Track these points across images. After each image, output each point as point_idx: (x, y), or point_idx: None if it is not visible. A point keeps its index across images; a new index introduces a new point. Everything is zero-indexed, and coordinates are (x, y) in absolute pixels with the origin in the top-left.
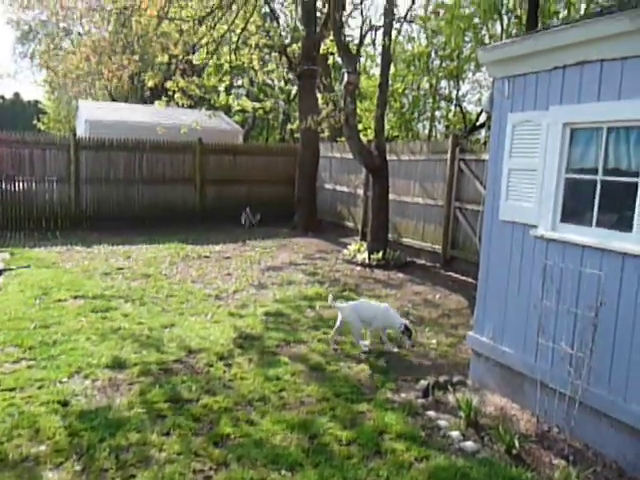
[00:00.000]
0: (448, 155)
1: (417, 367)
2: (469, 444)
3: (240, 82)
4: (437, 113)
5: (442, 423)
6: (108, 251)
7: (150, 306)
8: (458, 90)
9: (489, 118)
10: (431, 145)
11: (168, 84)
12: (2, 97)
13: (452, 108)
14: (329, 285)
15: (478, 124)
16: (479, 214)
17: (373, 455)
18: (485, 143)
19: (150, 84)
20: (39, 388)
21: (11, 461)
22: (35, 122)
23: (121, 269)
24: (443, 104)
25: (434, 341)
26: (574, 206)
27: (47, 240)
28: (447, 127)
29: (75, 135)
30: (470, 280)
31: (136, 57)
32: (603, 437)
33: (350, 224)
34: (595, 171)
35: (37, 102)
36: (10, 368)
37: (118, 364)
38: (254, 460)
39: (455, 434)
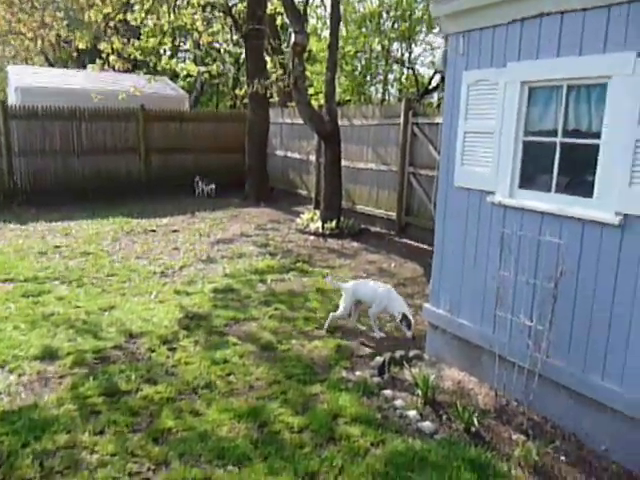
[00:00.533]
0: (401, 119)
1: (372, 342)
2: (427, 424)
3: (186, 45)
4: (390, 76)
5: (398, 403)
6: (45, 228)
7: (88, 287)
8: (410, 53)
9: (442, 80)
10: (384, 109)
11: (102, 45)
12: None
13: (405, 71)
14: (281, 257)
15: (431, 87)
16: (434, 180)
17: (327, 442)
18: (439, 106)
19: (80, 45)
20: None
21: None
22: None
23: (58, 247)
24: (396, 67)
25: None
26: (533, 171)
27: None
28: (400, 91)
29: (3, 103)
30: (425, 247)
31: (60, 14)
32: (562, 409)
33: (303, 192)
34: (554, 133)
35: None
36: None
37: (49, 355)
38: (197, 456)
39: (412, 414)
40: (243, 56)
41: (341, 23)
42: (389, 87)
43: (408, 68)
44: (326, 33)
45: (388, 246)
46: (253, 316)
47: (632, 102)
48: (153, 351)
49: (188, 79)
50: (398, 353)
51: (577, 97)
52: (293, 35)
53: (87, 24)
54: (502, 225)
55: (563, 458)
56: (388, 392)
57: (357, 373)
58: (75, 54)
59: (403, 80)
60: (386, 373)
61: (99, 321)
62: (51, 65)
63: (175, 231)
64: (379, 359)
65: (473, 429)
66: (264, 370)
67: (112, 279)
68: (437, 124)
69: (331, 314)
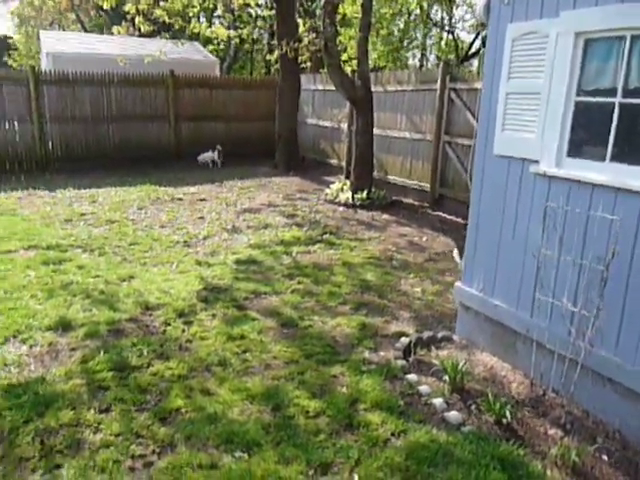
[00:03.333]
0: (438, 84)
1: (399, 319)
2: (454, 414)
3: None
4: (428, 41)
5: (424, 389)
6: (73, 195)
7: (110, 256)
8: (451, 16)
9: (484, 45)
10: (420, 74)
11: (127, 6)
12: None
13: (444, 35)
14: (308, 228)
15: (471, 53)
16: (470, 149)
17: (344, 430)
18: (479, 73)
19: (105, 5)
20: None
21: None
22: (5, 58)
23: (84, 215)
24: (434, 31)
25: (418, 289)
26: (585, 137)
27: (9, 184)
28: (438, 58)
29: (34, 68)
30: (460, 220)
31: None
32: (606, 404)
33: (334, 161)
34: (613, 92)
35: (6, 37)
36: None
37: (62, 325)
38: (205, 440)
39: (438, 402)
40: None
41: None
42: (427, 52)
43: (448, 32)
44: None
45: (421, 219)
46: (275, 290)
47: None
48: (168, 324)
49: (221, 45)
50: (426, 334)
51: None
52: None
53: None
54: (546, 198)
55: (605, 458)
56: (413, 377)
57: (380, 354)
58: (109, 16)
59: (442, 45)
60: (412, 355)
61: (117, 291)
62: (86, 32)
63: (202, 200)
64: (404, 340)
65: (505, 422)
66: (282, 348)
67: (134, 248)
68: (476, 89)
69: None
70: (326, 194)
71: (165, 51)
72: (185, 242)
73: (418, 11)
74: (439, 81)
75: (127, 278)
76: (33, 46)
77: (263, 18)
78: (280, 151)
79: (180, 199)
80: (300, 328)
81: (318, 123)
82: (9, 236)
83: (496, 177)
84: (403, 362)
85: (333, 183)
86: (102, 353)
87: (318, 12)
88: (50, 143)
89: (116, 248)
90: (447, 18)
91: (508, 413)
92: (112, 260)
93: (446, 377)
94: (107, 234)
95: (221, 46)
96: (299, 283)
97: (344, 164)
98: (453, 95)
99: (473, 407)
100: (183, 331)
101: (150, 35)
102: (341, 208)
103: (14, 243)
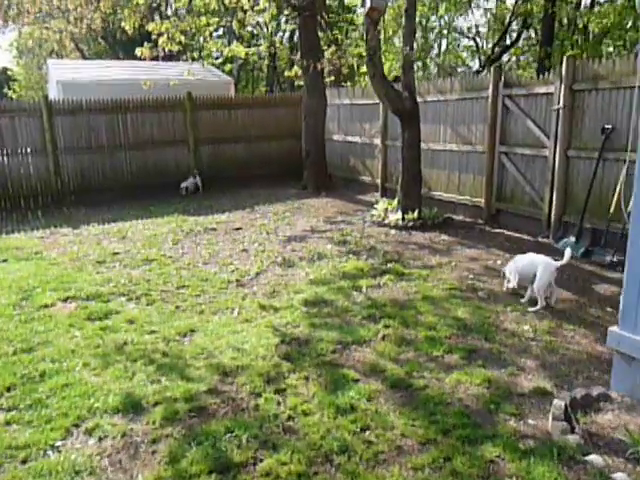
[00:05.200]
0: (489, 91)
1: (526, 370)
2: None
3: (219, 30)
4: (443, 46)
5: (620, 478)
6: (99, 231)
7: (159, 304)
8: (477, 25)
9: (505, 50)
10: (465, 81)
11: (150, 26)
12: None
13: (463, 42)
14: (367, 256)
15: (493, 55)
16: (532, 159)
17: None
18: (538, 76)
19: (127, 27)
20: (23, 463)
21: None
22: (6, 90)
23: (117, 254)
24: (450, 37)
25: (526, 327)
26: None
27: (27, 223)
28: (454, 67)
29: (47, 98)
30: (526, 237)
31: None
32: None
33: (366, 179)
34: None
35: (6, 69)
36: None
37: (132, 406)
38: None
39: None
40: (280, 36)
41: None
42: (445, 59)
43: (471, 38)
44: None
45: (483, 238)
46: (363, 337)
47: None
48: (258, 395)
49: (229, 65)
50: (578, 392)
51: None
52: (368, 0)
53: (133, 5)
54: None
55: None
56: (597, 459)
57: (531, 422)
58: (109, 44)
59: (459, 51)
60: (574, 424)
61: (182, 352)
62: (85, 59)
63: (238, 229)
64: (558, 403)
65: None
66: (407, 421)
67: (183, 292)
68: (536, 95)
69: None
70: (372, 215)
71: (193, 72)
72: (237, 281)
73: (434, 17)
74: (491, 87)
75: (188, 332)
76: (33, 77)
77: (263, 37)
78: (308, 171)
79: (214, 229)
80: (415, 389)
81: (346, 139)
82: (42, 285)
83: None
84: (575, 438)
85: (370, 202)
86: (193, 446)
87: (340, 24)
88: (66, 175)
89: (163, 294)
90: (472, 25)
91: None
92: (163, 310)
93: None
94: (148, 276)
95: (230, 65)
96: (386, 327)
97: (379, 181)
98: (508, 102)
99: None
100: (279, 404)
101: (168, 58)
102: (393, 231)
103: (49, 295)
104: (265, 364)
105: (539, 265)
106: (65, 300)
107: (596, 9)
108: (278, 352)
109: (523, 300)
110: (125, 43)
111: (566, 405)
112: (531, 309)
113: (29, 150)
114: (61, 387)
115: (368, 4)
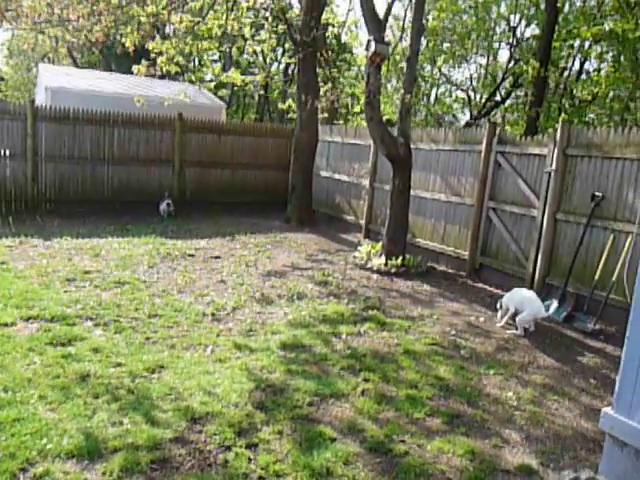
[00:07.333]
0: (483, 146)
1: (510, 443)
2: None
3: (215, 55)
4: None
5: None
6: (72, 246)
7: (129, 333)
8: (471, 76)
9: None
10: (459, 134)
11: (150, 45)
12: None
13: (455, 93)
14: (348, 300)
15: (484, 111)
16: (520, 217)
17: None
18: (534, 136)
19: (127, 43)
20: None
21: None
22: None
23: (88, 273)
24: (444, 88)
25: (510, 394)
26: None
27: None
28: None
29: (33, 103)
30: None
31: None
32: None
33: (350, 218)
34: None
35: None
36: None
37: (88, 450)
38: None
39: None
40: (275, 67)
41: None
42: (436, 107)
43: (464, 90)
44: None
45: (465, 292)
46: (341, 391)
47: None
48: (228, 448)
49: (224, 90)
50: (566, 476)
51: None
52: (373, 44)
53: (136, 23)
54: None
55: None
56: None
57: None
58: (102, 55)
59: (450, 101)
60: None
61: (149, 390)
62: (78, 68)
63: (217, 257)
64: None
65: None
66: None
67: (155, 322)
68: (529, 155)
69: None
70: (354, 257)
71: (189, 95)
72: (213, 315)
73: (428, 67)
74: (484, 143)
75: (157, 368)
76: (21, 78)
77: (260, 67)
78: (293, 204)
79: (192, 255)
80: (395, 456)
81: (333, 176)
82: (3, 301)
83: None
84: None
85: (353, 242)
86: None
87: (337, 62)
88: (43, 183)
89: (134, 321)
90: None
91: None
92: (132, 340)
93: None
94: (119, 300)
95: (224, 90)
96: (365, 380)
97: (363, 222)
98: (501, 159)
99: None
100: (250, 460)
101: (161, 76)
102: (375, 275)
103: (10, 312)
104: (237, 413)
105: (532, 306)
106: (27, 319)
107: (585, 76)
108: (252, 399)
109: (499, 324)
110: (119, 56)
111: None
112: (509, 332)
113: (7, 153)
114: (11, 422)
115: (372, 49)
